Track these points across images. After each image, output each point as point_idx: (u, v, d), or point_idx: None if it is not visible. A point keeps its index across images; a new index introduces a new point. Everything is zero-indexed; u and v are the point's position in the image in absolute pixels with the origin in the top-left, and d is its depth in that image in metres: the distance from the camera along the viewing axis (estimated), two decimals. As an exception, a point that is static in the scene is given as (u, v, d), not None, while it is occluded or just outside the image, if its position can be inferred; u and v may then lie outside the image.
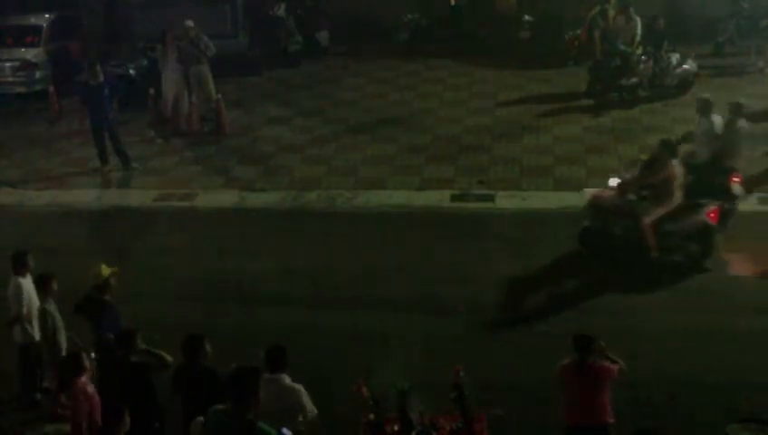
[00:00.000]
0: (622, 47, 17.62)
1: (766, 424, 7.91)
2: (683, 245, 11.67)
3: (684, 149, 12.61)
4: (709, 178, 12.22)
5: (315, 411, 7.36)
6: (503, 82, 19.34)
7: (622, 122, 16.52)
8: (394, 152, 16.09)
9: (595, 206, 12.13)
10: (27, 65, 19.87)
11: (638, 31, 17.67)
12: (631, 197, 11.81)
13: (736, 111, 12.78)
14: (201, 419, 6.71)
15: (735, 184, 12.32)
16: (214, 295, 11.65)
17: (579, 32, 19.24)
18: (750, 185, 13.44)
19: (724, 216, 11.89)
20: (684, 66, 17.47)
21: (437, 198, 14.28)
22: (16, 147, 17.56)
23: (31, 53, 20.08)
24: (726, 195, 12.15)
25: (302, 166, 15.82)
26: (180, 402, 7.70)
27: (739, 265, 11.67)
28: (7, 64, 19.85)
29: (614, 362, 7.59)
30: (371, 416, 7.40)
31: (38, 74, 19.91)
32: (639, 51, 17.58)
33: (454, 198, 14.23)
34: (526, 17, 21.34)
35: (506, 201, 14.01)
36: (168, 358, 8.03)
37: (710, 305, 10.77)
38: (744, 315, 10.48)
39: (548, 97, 18.24)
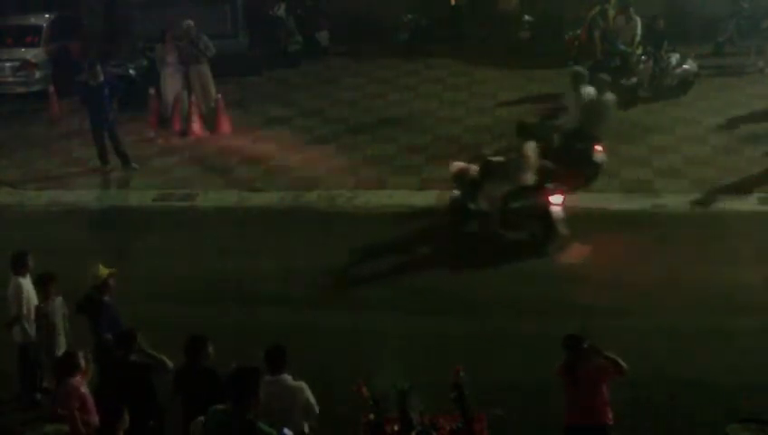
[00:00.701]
0: (622, 47, 17.63)
1: (766, 424, 7.92)
2: (528, 224, 12.30)
3: (561, 120, 14.21)
4: (574, 145, 13.27)
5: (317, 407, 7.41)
6: (503, 82, 19.33)
7: (622, 122, 16.50)
8: (394, 152, 16.08)
9: (458, 179, 12.90)
10: (27, 65, 19.82)
11: (638, 31, 17.67)
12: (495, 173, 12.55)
13: (604, 84, 14.16)
14: (201, 419, 6.72)
15: (598, 152, 13.48)
16: (214, 295, 11.65)
17: (579, 32, 19.17)
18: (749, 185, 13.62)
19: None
20: (684, 66, 17.47)
21: (437, 198, 14.29)
22: (16, 147, 17.52)
23: (31, 53, 20.03)
24: (588, 161, 13.42)
25: (302, 166, 15.81)
26: (180, 402, 7.70)
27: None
28: (7, 64, 19.80)
29: (614, 361, 7.56)
30: (371, 416, 7.40)
31: (38, 74, 19.85)
32: (639, 51, 17.59)
33: (454, 197, 14.24)
34: (526, 17, 21.29)
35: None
36: (169, 363, 8.03)
37: (710, 305, 10.78)
38: (743, 315, 10.48)
39: (548, 97, 18.22)
